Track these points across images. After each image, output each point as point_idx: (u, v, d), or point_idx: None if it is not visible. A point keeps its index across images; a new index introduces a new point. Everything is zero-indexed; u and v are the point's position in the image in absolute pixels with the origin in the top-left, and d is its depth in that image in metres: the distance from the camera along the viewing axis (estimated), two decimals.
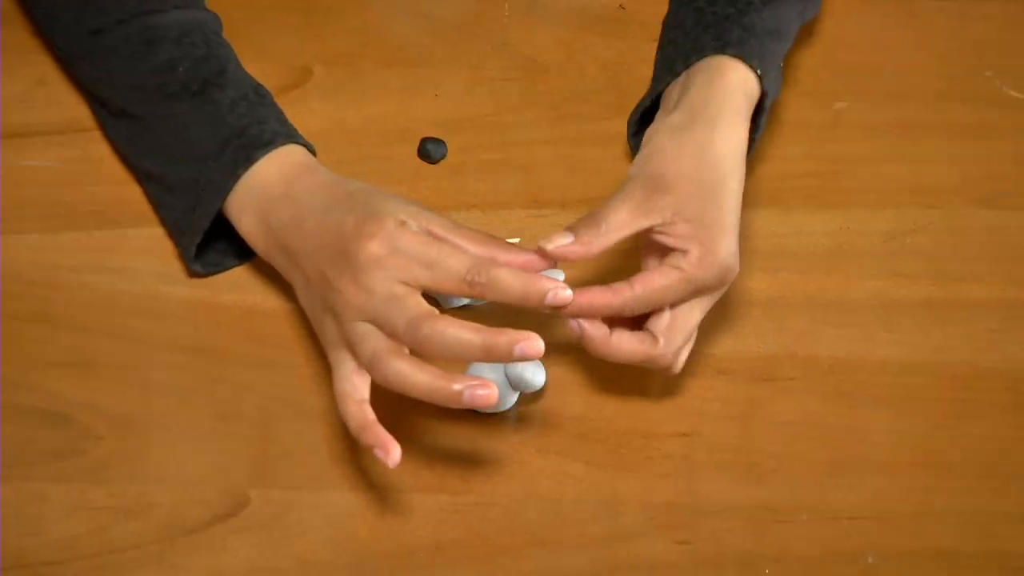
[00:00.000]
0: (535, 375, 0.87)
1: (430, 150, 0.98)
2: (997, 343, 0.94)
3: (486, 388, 0.79)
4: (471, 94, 1.01)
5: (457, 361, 0.85)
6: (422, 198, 0.96)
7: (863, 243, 0.97)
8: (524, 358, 0.80)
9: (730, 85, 0.89)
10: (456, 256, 0.81)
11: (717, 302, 0.88)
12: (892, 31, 1.06)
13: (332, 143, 0.98)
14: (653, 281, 0.84)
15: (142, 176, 0.94)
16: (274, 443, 0.88)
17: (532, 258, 0.84)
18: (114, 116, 0.94)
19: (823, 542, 0.87)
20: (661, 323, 0.85)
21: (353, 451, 0.88)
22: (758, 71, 0.90)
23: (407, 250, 0.81)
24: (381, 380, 0.81)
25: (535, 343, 0.79)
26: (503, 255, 0.84)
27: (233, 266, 0.93)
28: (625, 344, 0.85)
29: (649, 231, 0.85)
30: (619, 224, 0.84)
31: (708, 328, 0.90)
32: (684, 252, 0.84)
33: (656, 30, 1.03)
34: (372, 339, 0.81)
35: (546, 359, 0.88)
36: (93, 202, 0.94)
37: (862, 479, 0.89)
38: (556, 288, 0.81)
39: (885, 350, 0.93)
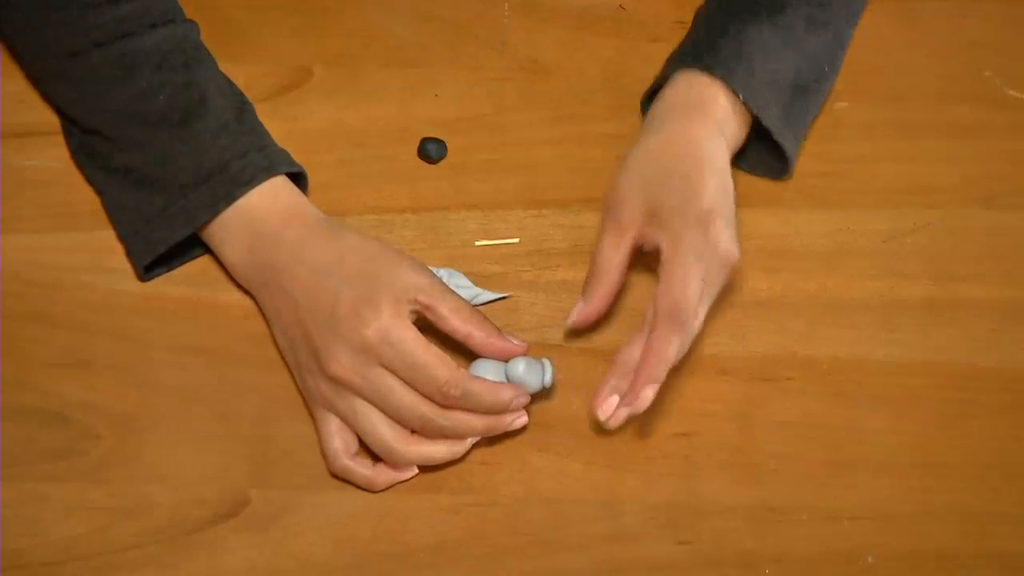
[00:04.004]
0: (534, 376, 0.87)
1: (430, 150, 0.98)
2: (996, 343, 0.94)
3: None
4: (471, 94, 1.01)
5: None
6: (422, 198, 0.96)
7: (863, 243, 0.97)
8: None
9: (669, 94, 0.93)
10: (438, 367, 0.84)
11: (717, 303, 0.89)
12: (892, 31, 1.06)
13: (332, 143, 0.98)
14: (663, 285, 0.86)
15: (98, 188, 0.94)
16: (274, 443, 0.88)
17: (506, 344, 0.86)
18: (86, 133, 0.93)
19: (823, 542, 0.87)
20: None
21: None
22: (715, 71, 0.92)
23: (397, 346, 0.83)
24: (400, 464, 0.86)
25: (520, 420, 0.87)
26: (482, 335, 0.86)
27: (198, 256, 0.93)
28: (636, 350, 0.86)
29: (639, 253, 0.88)
30: (605, 261, 0.88)
31: (708, 328, 0.91)
32: (661, 241, 0.86)
33: (656, 30, 1.03)
34: (376, 425, 0.85)
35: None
36: (93, 202, 0.94)
37: (862, 479, 0.89)
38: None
39: (885, 350, 0.93)
